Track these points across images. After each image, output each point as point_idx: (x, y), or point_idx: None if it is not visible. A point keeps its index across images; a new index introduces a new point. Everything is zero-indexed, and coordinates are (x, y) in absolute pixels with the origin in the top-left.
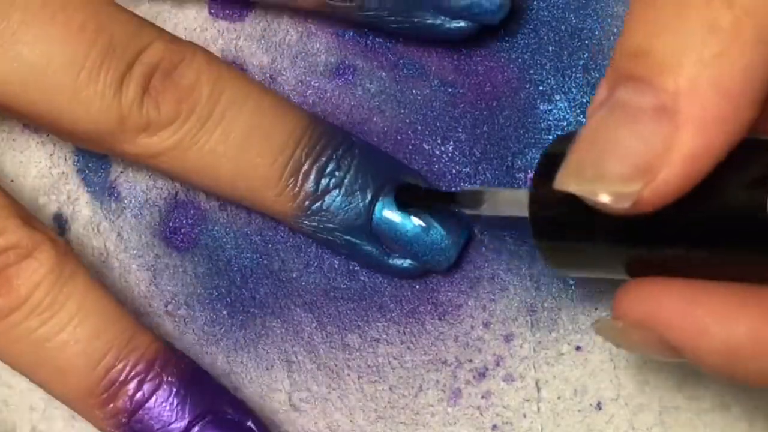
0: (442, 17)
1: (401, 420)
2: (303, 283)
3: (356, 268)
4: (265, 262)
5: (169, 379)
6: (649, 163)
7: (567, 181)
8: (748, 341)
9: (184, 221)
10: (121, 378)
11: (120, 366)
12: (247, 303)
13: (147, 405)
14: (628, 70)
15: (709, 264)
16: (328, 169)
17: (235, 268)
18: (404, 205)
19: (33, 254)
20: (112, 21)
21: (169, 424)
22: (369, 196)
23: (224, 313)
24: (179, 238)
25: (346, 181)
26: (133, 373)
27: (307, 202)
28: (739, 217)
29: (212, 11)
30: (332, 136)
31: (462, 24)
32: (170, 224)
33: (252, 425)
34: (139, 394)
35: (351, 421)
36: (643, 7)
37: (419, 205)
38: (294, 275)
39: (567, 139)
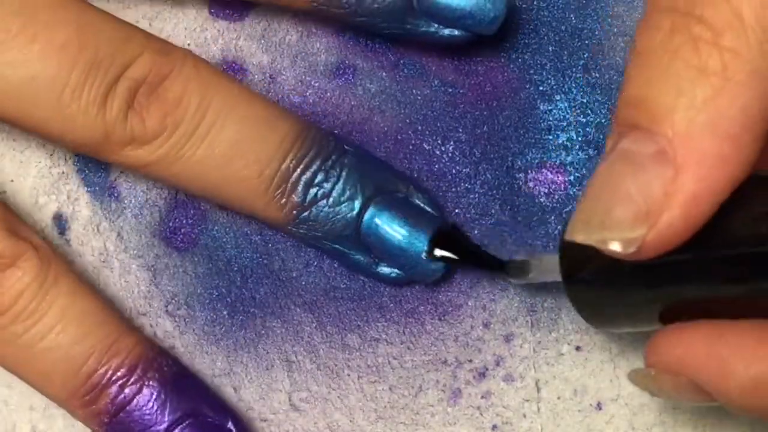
0: (436, 25)
1: (401, 420)
2: (303, 283)
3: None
4: (265, 262)
5: (151, 383)
6: (651, 208)
7: (576, 232)
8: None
9: (184, 221)
10: (103, 382)
11: (101, 371)
12: (247, 303)
13: (128, 408)
14: (628, 120)
15: (728, 302)
16: (316, 180)
17: (235, 268)
18: (443, 251)
19: (16, 263)
20: (97, 35)
21: (150, 426)
22: (357, 207)
23: (224, 313)
24: (179, 238)
25: (334, 192)
26: (114, 378)
27: (294, 212)
28: (747, 253)
29: (212, 11)
30: (322, 145)
31: (456, 33)
32: (170, 224)
33: (231, 427)
34: (120, 397)
35: (351, 421)
36: (638, 58)
37: (461, 259)
38: (294, 275)
39: None
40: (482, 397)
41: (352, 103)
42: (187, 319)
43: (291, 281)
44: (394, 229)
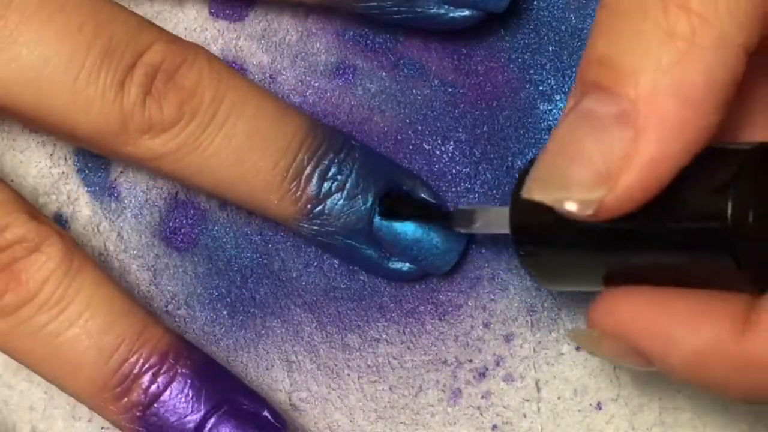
0: (446, 6)
1: (401, 420)
2: (303, 283)
3: (356, 268)
4: (265, 262)
5: (183, 371)
6: (611, 170)
7: (533, 191)
8: (712, 348)
9: (184, 221)
10: (135, 371)
11: (133, 359)
12: (247, 303)
13: (162, 398)
14: (591, 78)
15: (676, 271)
16: (330, 173)
17: (235, 268)
18: (391, 215)
19: (41, 248)
20: (111, 21)
21: (185, 416)
22: (370, 200)
23: (224, 313)
24: (179, 238)
25: (348, 184)
26: (146, 366)
27: (309, 206)
28: (702, 225)
29: (212, 11)
30: (333, 139)
31: (466, 12)
32: (170, 224)
33: (268, 414)
34: (153, 387)
35: (351, 421)
36: (607, 16)
37: (408, 216)
38: (294, 275)
39: None
40: (482, 397)
41: (352, 103)
42: (187, 319)
43: (291, 281)
44: (405, 221)
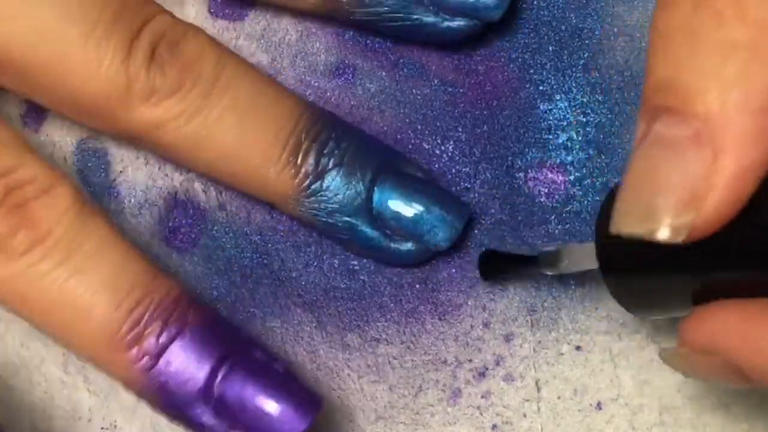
0: (442, 15)
1: (401, 420)
2: (303, 283)
3: (356, 267)
4: (265, 261)
5: (195, 317)
6: (696, 192)
7: (622, 225)
8: None
9: (183, 221)
10: (146, 317)
11: (144, 304)
12: (247, 303)
13: (173, 346)
14: (658, 104)
15: (764, 284)
16: (328, 148)
17: (235, 268)
18: (488, 274)
19: (52, 190)
20: None
21: (198, 362)
22: (369, 175)
23: (224, 313)
24: (179, 238)
25: (346, 159)
26: (158, 312)
27: (307, 181)
28: None
29: (212, 10)
30: (329, 118)
31: (461, 22)
32: (170, 224)
33: (278, 368)
34: (165, 334)
35: (351, 421)
36: (661, 39)
37: (503, 273)
38: (294, 275)
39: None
40: (482, 397)
41: (352, 102)
42: None
43: (291, 281)
44: (407, 196)
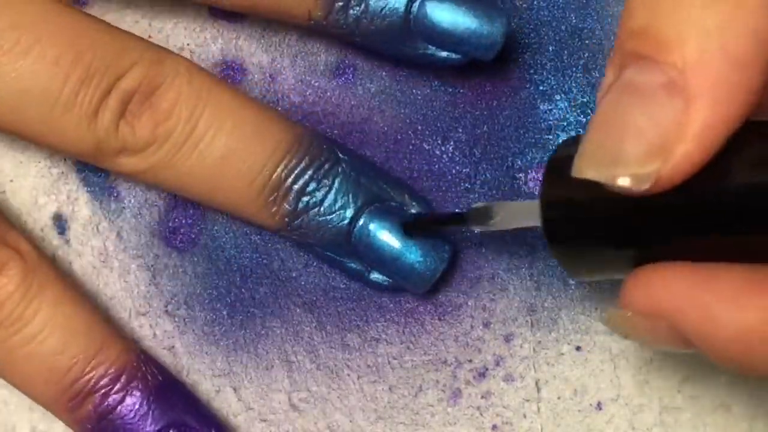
0: (433, 48)
1: (401, 420)
2: (303, 283)
3: None
4: (265, 262)
5: (134, 392)
6: (665, 141)
7: (585, 168)
8: (760, 326)
9: (183, 221)
10: (86, 389)
11: (84, 379)
12: (247, 303)
13: (111, 416)
14: (633, 50)
15: (718, 247)
16: (308, 189)
17: (235, 268)
18: (412, 235)
19: (1, 271)
20: (92, 47)
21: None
22: (349, 216)
23: (224, 313)
24: (179, 238)
25: (326, 201)
26: (97, 386)
27: (286, 219)
28: (745, 198)
29: (212, 11)
30: (315, 153)
31: (453, 56)
32: (170, 224)
33: None
34: (103, 405)
35: (351, 421)
36: None
37: (429, 232)
38: (293, 275)
39: (571, 143)
40: (482, 397)
41: (352, 102)
42: (186, 319)
43: (291, 281)
44: (385, 239)
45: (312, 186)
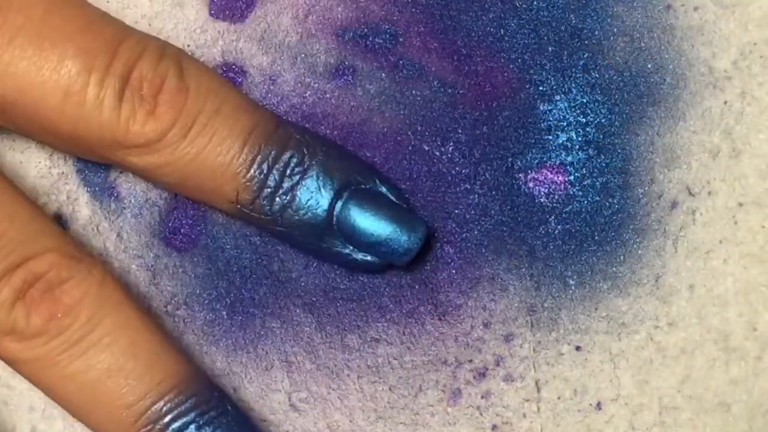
0: (350, 248)
1: (401, 420)
2: (302, 284)
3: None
4: (265, 262)
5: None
6: None
7: None
8: None
9: (183, 221)
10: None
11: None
12: (247, 303)
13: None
14: None
15: None
16: (188, 430)
17: (235, 269)
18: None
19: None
20: (9, 220)
21: None
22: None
23: (224, 313)
24: (179, 239)
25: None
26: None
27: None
28: None
29: (212, 12)
30: (204, 398)
31: (368, 258)
32: (170, 224)
33: None
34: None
35: (351, 421)
36: None
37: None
38: (293, 275)
39: None
40: (482, 397)
41: (352, 104)
42: (186, 320)
43: (290, 282)
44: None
45: (192, 428)
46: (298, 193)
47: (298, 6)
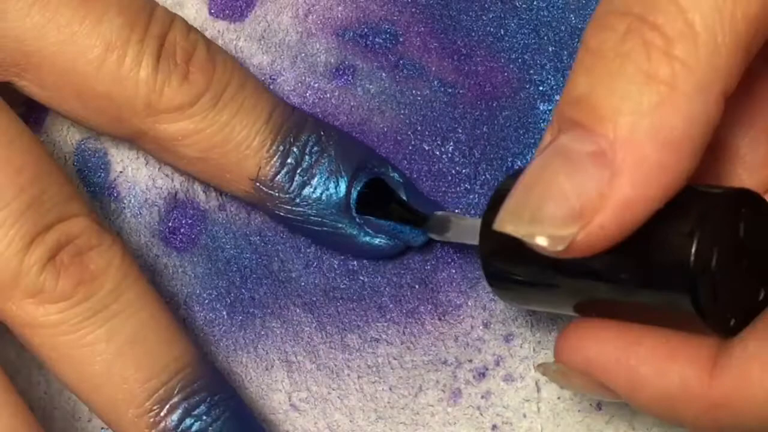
0: (365, 229)
1: (401, 420)
2: (302, 284)
3: (356, 268)
4: (265, 262)
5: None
6: (585, 208)
7: (505, 224)
8: (680, 391)
9: (183, 221)
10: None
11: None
12: (247, 303)
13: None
14: (569, 116)
15: (643, 311)
16: (196, 411)
17: (235, 269)
18: (368, 209)
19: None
20: (49, 177)
21: None
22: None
23: (224, 313)
24: (178, 239)
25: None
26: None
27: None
28: (667, 267)
29: (212, 11)
30: (213, 382)
31: (383, 241)
32: (169, 224)
33: None
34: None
35: (351, 421)
36: (588, 55)
37: (379, 215)
38: (293, 275)
39: (517, 177)
40: (482, 397)
41: (352, 103)
42: (186, 320)
43: (290, 281)
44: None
45: (202, 409)
46: (318, 171)
47: (298, 5)
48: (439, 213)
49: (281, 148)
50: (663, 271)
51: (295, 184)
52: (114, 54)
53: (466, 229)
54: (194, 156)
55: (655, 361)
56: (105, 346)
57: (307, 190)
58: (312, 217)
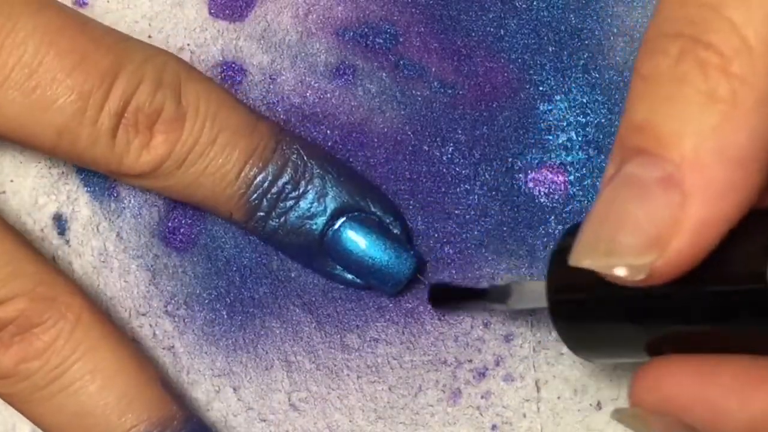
0: (341, 268)
1: (401, 420)
2: (302, 283)
3: None
4: (264, 262)
5: None
6: (660, 234)
7: (581, 257)
8: (765, 417)
9: (183, 221)
10: None
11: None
12: (247, 303)
13: None
14: (633, 145)
15: (722, 337)
16: None
17: (234, 268)
18: (437, 304)
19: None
20: None
21: None
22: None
23: (223, 313)
24: (178, 238)
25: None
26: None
27: None
28: (743, 288)
29: (212, 11)
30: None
31: (357, 280)
32: (169, 224)
33: None
34: None
35: (351, 421)
36: (643, 82)
37: (453, 304)
38: (293, 275)
39: (575, 231)
40: (482, 397)
41: (352, 103)
42: (186, 319)
43: (290, 281)
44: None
45: None
46: (291, 217)
47: (298, 5)
48: (500, 283)
49: (253, 198)
50: (739, 291)
51: (268, 228)
52: (67, 137)
53: (528, 291)
54: (172, 198)
55: (736, 390)
56: (53, 419)
57: (279, 234)
58: (287, 253)
